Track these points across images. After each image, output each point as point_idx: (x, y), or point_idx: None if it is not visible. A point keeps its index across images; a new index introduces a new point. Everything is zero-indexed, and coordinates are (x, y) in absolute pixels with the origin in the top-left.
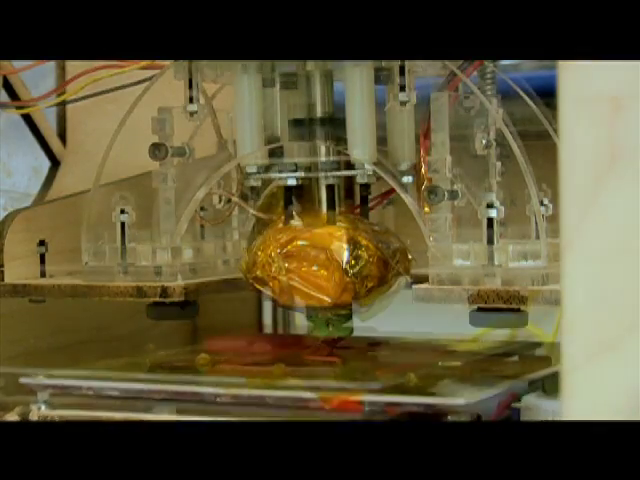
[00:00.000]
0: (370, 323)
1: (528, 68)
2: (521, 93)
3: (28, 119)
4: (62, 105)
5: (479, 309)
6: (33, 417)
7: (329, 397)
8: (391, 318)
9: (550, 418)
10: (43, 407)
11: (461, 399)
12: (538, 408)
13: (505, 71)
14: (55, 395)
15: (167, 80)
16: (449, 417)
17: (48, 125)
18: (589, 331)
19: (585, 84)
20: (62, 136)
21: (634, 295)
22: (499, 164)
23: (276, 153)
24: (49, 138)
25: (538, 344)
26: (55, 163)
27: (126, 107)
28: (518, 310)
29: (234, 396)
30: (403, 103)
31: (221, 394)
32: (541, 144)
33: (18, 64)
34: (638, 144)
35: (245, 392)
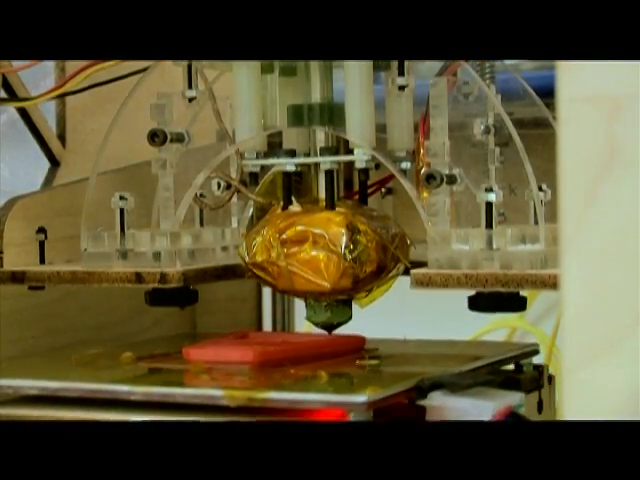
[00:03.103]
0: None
1: (528, 68)
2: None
3: (28, 120)
4: (62, 97)
5: (478, 293)
6: None
7: (234, 395)
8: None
9: (458, 417)
10: None
11: (363, 396)
12: (445, 407)
13: (505, 71)
14: None
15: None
16: (352, 414)
17: (48, 126)
18: (589, 331)
19: (585, 84)
20: (62, 137)
21: (634, 295)
22: (497, 150)
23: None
24: (49, 139)
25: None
26: (55, 164)
27: (126, 108)
28: (517, 294)
29: (145, 394)
30: (402, 88)
31: (135, 392)
32: (538, 133)
33: (17, 63)
34: (638, 144)
35: (156, 390)
